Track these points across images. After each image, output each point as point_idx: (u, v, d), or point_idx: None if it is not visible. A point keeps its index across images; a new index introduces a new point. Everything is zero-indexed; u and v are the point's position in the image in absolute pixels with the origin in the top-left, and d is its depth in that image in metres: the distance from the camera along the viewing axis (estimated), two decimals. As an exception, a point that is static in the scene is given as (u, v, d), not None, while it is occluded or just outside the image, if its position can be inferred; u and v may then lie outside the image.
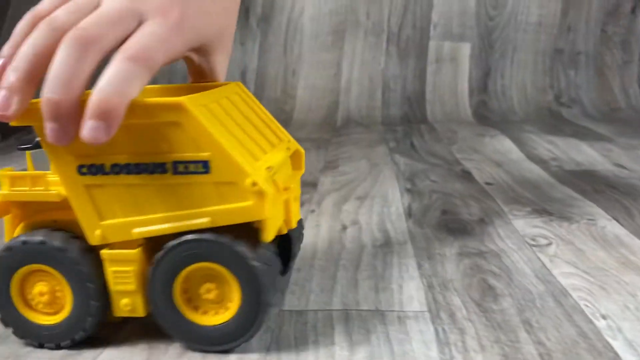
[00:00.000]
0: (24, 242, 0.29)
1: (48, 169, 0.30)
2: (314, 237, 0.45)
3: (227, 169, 0.26)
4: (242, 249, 0.27)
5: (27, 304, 0.30)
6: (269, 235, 0.28)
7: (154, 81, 0.29)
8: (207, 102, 0.28)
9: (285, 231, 0.31)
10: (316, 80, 1.22)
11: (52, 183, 0.29)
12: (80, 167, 0.27)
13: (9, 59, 0.27)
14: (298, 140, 0.92)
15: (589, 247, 0.42)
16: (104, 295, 0.29)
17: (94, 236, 0.28)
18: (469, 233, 0.46)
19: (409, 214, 0.51)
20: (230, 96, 0.31)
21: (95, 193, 0.28)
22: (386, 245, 0.43)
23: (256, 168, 0.27)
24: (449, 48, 1.26)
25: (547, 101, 1.25)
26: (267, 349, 0.29)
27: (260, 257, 0.28)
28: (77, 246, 0.29)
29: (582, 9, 1.28)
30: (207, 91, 0.29)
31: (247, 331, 0.28)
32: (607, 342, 0.29)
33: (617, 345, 0.29)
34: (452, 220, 0.49)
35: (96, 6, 0.28)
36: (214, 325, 0.29)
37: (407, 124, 1.10)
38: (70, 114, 0.25)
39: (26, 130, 1.03)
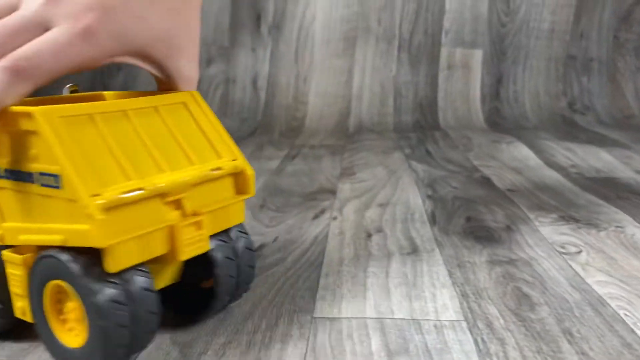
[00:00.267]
0: None
1: None
2: (338, 244, 0.44)
3: (70, 186, 0.25)
4: (85, 278, 0.25)
5: None
6: (109, 265, 0.25)
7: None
8: (79, 112, 0.26)
9: (175, 260, 0.27)
10: (327, 87, 1.22)
11: None
12: None
13: None
14: (312, 147, 0.92)
15: (621, 255, 0.42)
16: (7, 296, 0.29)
17: None
18: (497, 240, 0.45)
19: (433, 221, 0.50)
20: (160, 107, 0.30)
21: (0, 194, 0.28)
22: (414, 253, 0.42)
23: (103, 189, 0.25)
24: (461, 54, 1.26)
25: (560, 108, 1.24)
26: (304, 359, 0.28)
27: (105, 290, 0.25)
28: None
29: (594, 16, 1.28)
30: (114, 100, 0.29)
31: None
32: (653, 353, 0.28)
33: (664, 356, 0.28)
34: (478, 227, 0.48)
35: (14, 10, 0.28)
36: (70, 347, 0.26)
37: (419, 130, 1.10)
38: None
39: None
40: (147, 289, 0.26)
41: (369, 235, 0.46)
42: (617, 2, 1.28)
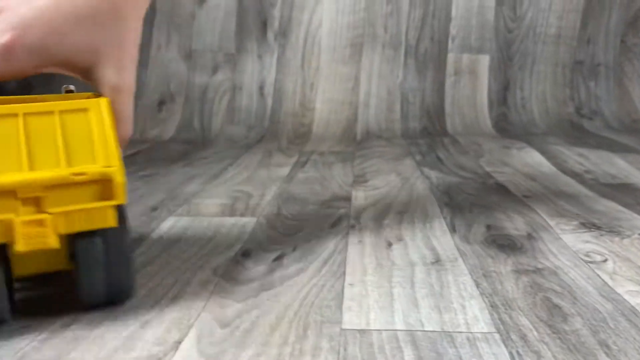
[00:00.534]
0: None
1: None
2: (359, 254, 0.44)
3: None
4: None
5: None
6: None
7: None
8: None
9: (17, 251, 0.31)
10: (334, 93, 1.21)
11: None
12: None
13: None
14: (321, 154, 0.91)
15: (648, 263, 0.41)
16: None
17: None
18: (520, 249, 0.44)
19: (453, 229, 0.49)
20: (58, 112, 0.33)
21: None
22: (437, 263, 0.42)
23: None
24: (468, 60, 1.26)
25: (567, 113, 1.24)
26: (336, 374, 0.28)
27: None
28: None
29: (601, 21, 1.28)
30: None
31: None
32: (695, 366, 0.28)
33: None
34: (499, 236, 0.47)
35: None
36: None
37: (428, 136, 1.09)
38: None
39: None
40: None
41: (390, 244, 0.46)
42: (623, 7, 1.28)
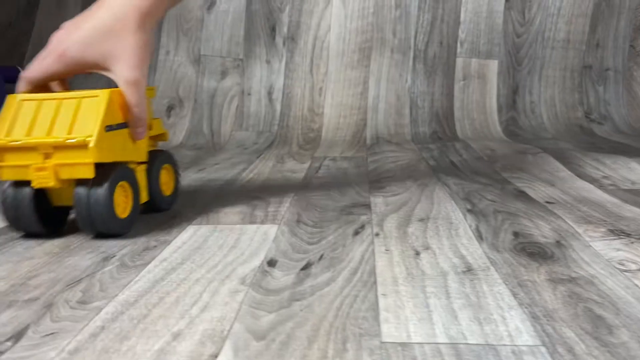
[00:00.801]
0: None
1: None
2: (388, 262, 0.43)
3: None
4: None
5: None
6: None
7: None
8: (33, 98, 0.49)
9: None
10: (343, 98, 1.21)
11: None
12: None
13: None
14: (333, 159, 0.91)
15: (684, 271, 0.40)
16: None
17: None
18: (551, 257, 0.43)
19: (480, 236, 0.48)
20: (82, 99, 0.48)
21: None
22: (469, 272, 0.41)
23: (8, 138, 0.47)
24: (477, 65, 1.25)
25: (577, 118, 1.23)
26: (382, 389, 0.27)
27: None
28: None
29: (610, 25, 1.27)
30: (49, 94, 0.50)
31: None
32: None
33: None
34: (528, 243, 0.47)
35: None
36: None
37: (438, 141, 1.09)
38: None
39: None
40: (15, 195, 0.49)
41: (417, 253, 0.45)
42: (632, 11, 1.28)
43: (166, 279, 0.40)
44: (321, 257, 0.44)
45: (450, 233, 0.50)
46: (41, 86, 0.52)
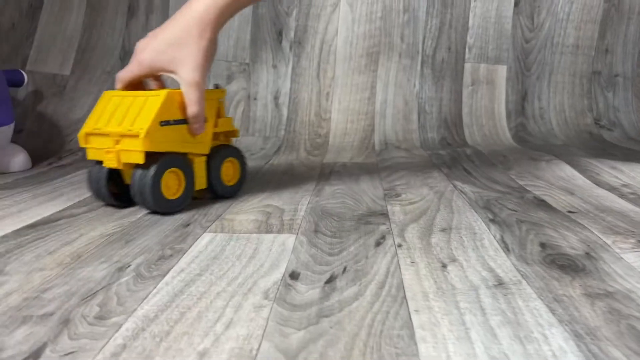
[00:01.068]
0: None
1: None
2: (415, 276, 0.41)
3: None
4: None
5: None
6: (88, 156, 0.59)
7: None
8: (119, 94, 0.60)
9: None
10: (350, 103, 1.19)
11: None
12: None
13: None
14: (343, 165, 0.89)
15: None
16: None
17: None
18: (583, 270, 0.42)
19: (506, 248, 0.47)
20: (148, 96, 0.57)
21: None
22: (501, 286, 0.39)
23: (92, 127, 0.58)
24: (485, 70, 1.24)
25: (586, 124, 1.22)
26: (427, 415, 0.25)
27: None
28: None
29: (619, 31, 1.26)
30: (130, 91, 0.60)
31: None
32: None
33: None
34: (557, 255, 0.45)
35: None
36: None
37: (448, 147, 1.07)
38: None
39: (56, 156, 0.99)
40: (96, 172, 0.61)
41: (444, 265, 0.43)
42: (642, 17, 1.27)
43: (186, 292, 0.39)
44: (345, 269, 0.43)
45: (476, 244, 0.48)
46: (134, 84, 0.61)
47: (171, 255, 0.46)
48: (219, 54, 1.19)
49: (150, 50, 0.58)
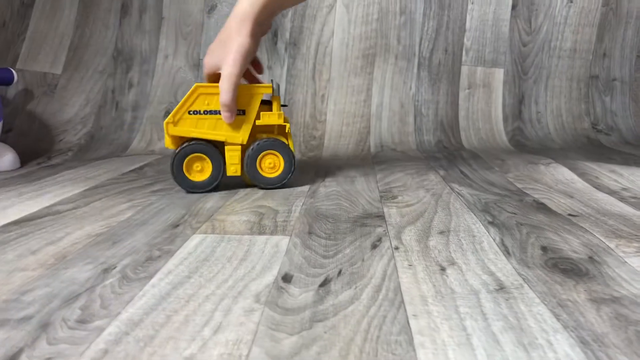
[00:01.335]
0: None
1: None
2: (412, 279, 0.39)
3: None
4: None
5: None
6: None
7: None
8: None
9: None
10: (346, 105, 1.18)
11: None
12: None
13: None
14: (338, 167, 0.87)
15: None
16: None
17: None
18: (587, 275, 0.40)
19: (506, 251, 0.45)
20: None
21: None
22: (502, 290, 0.38)
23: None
24: (482, 73, 1.23)
25: (583, 128, 1.21)
26: None
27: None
28: None
29: (617, 35, 1.25)
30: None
31: None
32: None
33: None
34: (559, 259, 0.44)
35: None
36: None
37: (444, 150, 1.06)
38: None
39: (45, 156, 0.97)
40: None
41: (443, 269, 0.42)
42: (639, 21, 1.26)
43: (173, 295, 0.37)
44: (340, 272, 0.41)
45: (475, 247, 0.46)
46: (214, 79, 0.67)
47: (159, 257, 0.44)
48: (213, 54, 1.17)
49: (208, 52, 0.65)
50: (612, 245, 0.47)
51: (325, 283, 0.39)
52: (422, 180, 0.76)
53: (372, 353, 0.29)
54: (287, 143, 0.69)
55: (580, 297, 0.36)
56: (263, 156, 0.68)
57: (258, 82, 0.73)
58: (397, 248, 0.46)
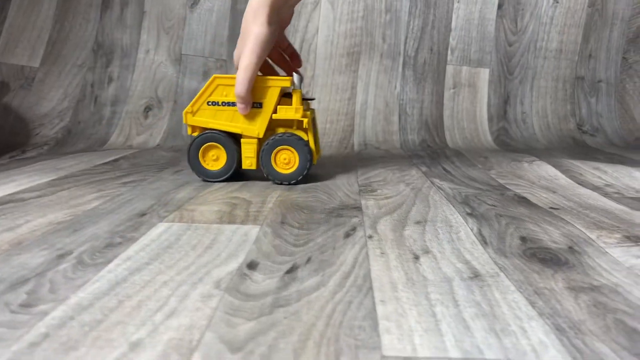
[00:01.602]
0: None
1: None
2: (384, 267, 0.38)
3: None
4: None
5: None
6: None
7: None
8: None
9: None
10: (330, 103, 1.16)
11: None
12: None
13: None
14: (319, 163, 0.86)
15: None
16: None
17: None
18: (566, 264, 0.39)
19: (484, 241, 0.44)
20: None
21: None
22: (477, 278, 0.36)
23: None
24: (467, 73, 1.22)
25: (569, 129, 1.20)
26: (386, 414, 0.22)
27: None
28: None
29: (603, 36, 1.25)
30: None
31: None
32: None
33: None
34: (538, 249, 0.42)
35: None
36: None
37: (428, 149, 1.04)
38: None
39: (20, 149, 0.95)
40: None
41: (417, 257, 0.40)
42: (625, 23, 1.25)
43: (129, 281, 0.35)
44: (309, 259, 0.39)
45: (451, 237, 0.45)
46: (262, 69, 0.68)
47: (120, 243, 0.42)
48: (195, 49, 1.15)
49: (237, 45, 0.65)
50: (593, 236, 0.45)
51: (291, 270, 0.37)
52: (403, 176, 0.74)
53: (333, 338, 0.27)
54: (305, 139, 0.66)
55: (557, 286, 0.35)
56: (278, 151, 0.66)
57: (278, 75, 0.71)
58: (370, 237, 0.44)
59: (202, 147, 0.66)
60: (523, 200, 0.59)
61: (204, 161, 0.67)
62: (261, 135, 0.66)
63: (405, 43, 1.20)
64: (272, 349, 0.26)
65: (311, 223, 0.49)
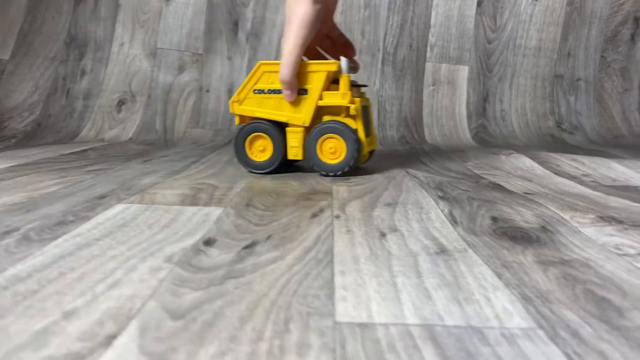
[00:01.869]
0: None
1: None
2: (349, 243, 0.36)
3: None
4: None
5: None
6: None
7: None
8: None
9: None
10: (308, 99, 1.14)
11: None
12: None
13: None
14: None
15: (691, 256, 0.34)
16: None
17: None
18: (538, 241, 0.37)
19: (454, 221, 0.42)
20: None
21: None
22: (443, 253, 0.34)
23: None
24: (447, 70, 1.21)
25: (548, 127, 1.20)
26: (332, 379, 0.20)
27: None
28: None
29: (581, 35, 1.25)
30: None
31: None
32: None
33: None
34: (509, 228, 0.40)
35: None
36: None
37: (406, 145, 1.03)
38: None
39: (8, 140, 0.92)
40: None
41: (383, 234, 0.38)
42: (603, 21, 1.26)
43: (75, 255, 0.33)
44: (269, 236, 0.37)
45: (421, 217, 0.43)
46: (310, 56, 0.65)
47: (72, 222, 0.40)
48: (170, 43, 1.13)
49: (283, 35, 0.63)
50: (566, 217, 0.44)
51: (250, 246, 0.35)
52: (379, 167, 0.72)
53: (284, 306, 0.25)
54: (353, 127, 0.62)
55: (527, 260, 0.33)
56: (324, 140, 0.62)
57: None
58: (337, 216, 0.43)
59: (249, 138, 0.63)
60: (497, 187, 0.57)
61: (251, 152, 0.64)
62: (307, 124, 0.62)
63: (385, 39, 1.19)
64: (217, 316, 0.24)
65: (278, 205, 0.47)
